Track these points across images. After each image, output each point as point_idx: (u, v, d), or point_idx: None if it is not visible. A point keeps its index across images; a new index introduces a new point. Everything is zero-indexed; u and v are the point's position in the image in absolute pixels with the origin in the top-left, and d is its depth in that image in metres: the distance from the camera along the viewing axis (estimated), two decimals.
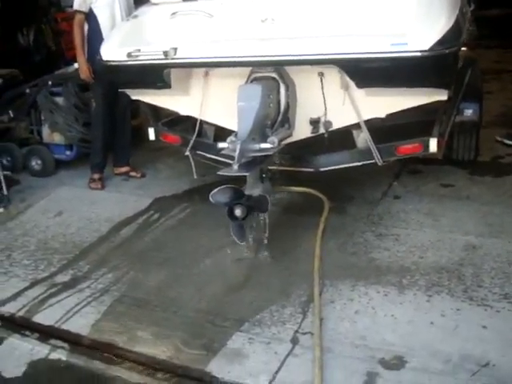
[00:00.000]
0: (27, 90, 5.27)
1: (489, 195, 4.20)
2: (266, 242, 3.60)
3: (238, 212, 3.35)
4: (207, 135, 4.47)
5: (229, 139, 3.54)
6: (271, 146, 3.50)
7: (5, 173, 4.81)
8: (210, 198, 3.40)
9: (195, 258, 3.66)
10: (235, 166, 3.28)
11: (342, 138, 4.06)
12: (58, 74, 5.36)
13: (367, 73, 3.41)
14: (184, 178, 4.84)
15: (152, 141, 4.64)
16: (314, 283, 3.22)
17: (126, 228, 4.16)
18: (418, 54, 3.21)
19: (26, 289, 3.50)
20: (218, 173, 3.37)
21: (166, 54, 3.65)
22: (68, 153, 5.28)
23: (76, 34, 4.72)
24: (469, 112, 4.60)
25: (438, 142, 3.80)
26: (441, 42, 3.22)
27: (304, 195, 4.36)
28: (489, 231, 3.67)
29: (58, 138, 5.22)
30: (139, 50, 3.76)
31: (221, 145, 3.60)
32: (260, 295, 3.23)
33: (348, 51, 3.35)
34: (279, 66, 3.68)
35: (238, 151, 3.28)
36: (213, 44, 3.74)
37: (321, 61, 3.47)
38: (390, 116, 3.79)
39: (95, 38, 4.61)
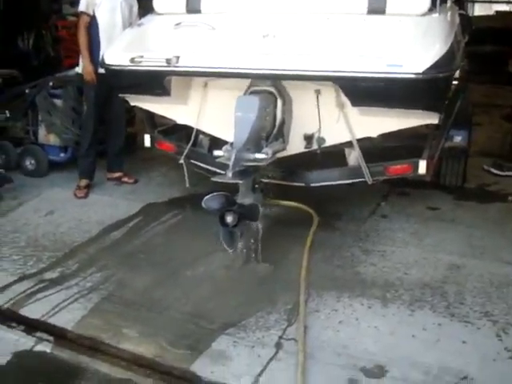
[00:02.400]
0: (27, 91, 5.32)
1: (473, 219, 4.32)
2: (259, 250, 3.64)
3: (229, 219, 3.40)
4: (202, 145, 4.55)
5: (224, 148, 3.61)
6: (265, 156, 3.57)
7: None
8: (203, 204, 3.46)
9: (183, 263, 3.71)
10: (229, 174, 3.35)
11: (334, 155, 4.17)
12: (59, 77, 5.42)
13: (362, 91, 3.50)
14: (176, 186, 4.91)
15: (147, 148, 4.68)
16: (299, 292, 3.28)
17: (117, 231, 4.20)
18: (413, 76, 3.31)
19: (13, 282, 3.52)
20: (212, 179, 3.43)
21: (168, 61, 3.72)
22: (62, 155, 5.32)
23: (81, 36, 4.76)
24: (458, 138, 4.73)
25: (427, 164, 3.90)
26: (435, 66, 3.34)
27: (294, 209, 4.43)
28: (472, 252, 3.77)
29: (53, 140, 5.26)
30: (142, 56, 3.83)
31: (216, 153, 3.67)
32: (246, 301, 3.28)
33: (345, 69, 3.44)
34: (277, 79, 3.77)
35: (232, 159, 3.36)
36: (214, 55, 3.83)
37: (318, 77, 3.56)
38: (382, 137, 3.92)
39: (95, 42, 4.71)
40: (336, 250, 3.83)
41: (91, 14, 4.75)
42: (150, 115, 4.66)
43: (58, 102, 5.18)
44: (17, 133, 5.47)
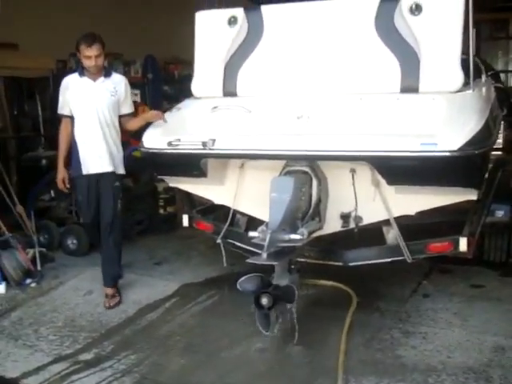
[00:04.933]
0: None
1: None
2: (296, 334, 3.55)
3: (264, 301, 3.35)
4: (239, 224, 4.57)
5: (260, 229, 3.61)
6: (300, 237, 3.55)
7: (40, 249, 4.97)
8: (238, 286, 3.44)
9: (219, 346, 3.65)
10: (264, 255, 3.34)
11: (372, 234, 4.11)
12: None
13: (397, 171, 3.49)
14: (214, 265, 4.90)
15: (186, 227, 4.74)
16: (337, 378, 3.16)
17: (153, 312, 4.20)
18: (448, 154, 3.28)
19: (49, 363, 3.53)
20: (247, 261, 3.42)
21: (204, 144, 3.82)
22: None
23: (60, 139, 4.35)
24: (500, 213, 4.63)
25: (468, 241, 3.81)
26: (470, 143, 3.30)
27: (332, 289, 4.35)
28: None
29: None
30: (179, 140, 3.94)
31: (251, 234, 3.66)
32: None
33: (379, 149, 3.45)
34: (312, 160, 3.80)
35: (267, 240, 3.35)
36: (249, 137, 3.91)
37: (352, 157, 3.57)
38: (421, 214, 3.85)
39: (74, 146, 4.30)
40: (376, 332, 3.71)
41: (69, 114, 4.29)
42: (189, 195, 4.74)
43: None
44: (60, 213, 5.65)
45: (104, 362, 3.54)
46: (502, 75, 9.93)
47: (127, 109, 4.46)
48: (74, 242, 5.41)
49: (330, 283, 4.38)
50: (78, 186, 4.37)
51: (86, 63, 4.17)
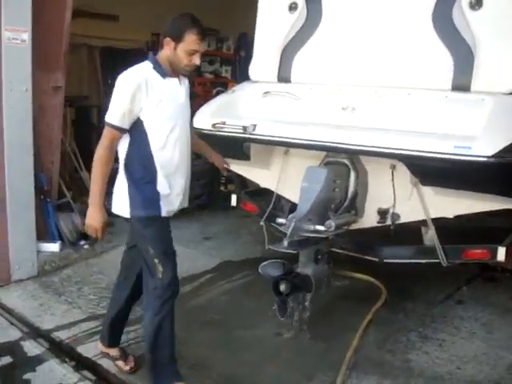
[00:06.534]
0: None
1: None
2: (306, 323, 3.59)
3: (282, 287, 3.42)
4: (283, 209, 4.63)
5: (290, 216, 3.67)
6: (325, 229, 3.57)
7: None
8: (259, 269, 3.53)
9: (238, 324, 3.78)
10: (285, 243, 3.40)
11: (412, 232, 4.03)
12: None
13: (429, 172, 3.40)
14: (260, 245, 5.00)
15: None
16: (339, 372, 3.19)
17: (188, 285, 4.37)
18: (482, 159, 3.15)
19: (82, 320, 3.82)
20: (268, 246, 3.50)
21: (244, 129, 3.91)
22: None
23: (102, 162, 2.79)
24: None
25: (508, 251, 3.65)
26: (508, 150, 3.15)
27: (366, 283, 4.32)
28: None
29: None
30: (224, 123, 4.05)
31: (279, 220, 3.74)
32: (284, 371, 3.26)
33: (412, 148, 3.37)
34: (348, 153, 3.79)
35: (290, 229, 3.41)
36: (290, 125, 3.94)
37: (385, 154, 3.50)
38: (460, 218, 3.73)
39: (133, 176, 2.87)
40: (393, 332, 3.67)
41: (126, 128, 2.80)
42: (239, 176, 4.85)
43: None
44: None
45: (130, 325, 3.76)
46: None
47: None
48: None
49: (365, 277, 4.35)
50: (150, 231, 2.93)
51: (189, 61, 2.87)
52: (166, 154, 2.89)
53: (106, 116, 2.81)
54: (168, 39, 2.85)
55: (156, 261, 2.92)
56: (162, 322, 2.96)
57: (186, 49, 2.83)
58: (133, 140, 2.85)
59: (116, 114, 2.77)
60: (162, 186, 2.90)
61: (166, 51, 2.87)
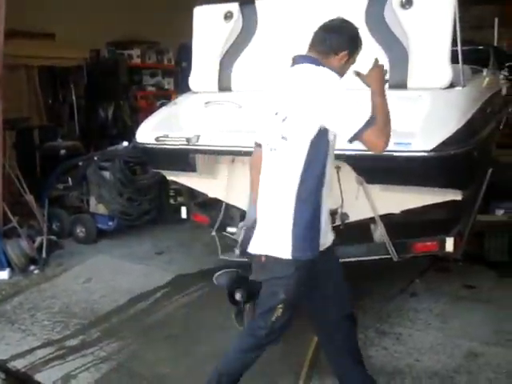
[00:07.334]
0: (80, 163, 5.70)
1: (511, 300, 4.01)
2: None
3: (237, 296, 3.42)
4: (233, 218, 4.62)
5: (240, 224, 3.66)
6: None
7: (50, 237, 5.18)
8: (214, 280, 3.51)
9: (197, 338, 3.75)
10: (237, 251, 3.40)
11: (362, 231, 4.09)
12: (108, 151, 5.76)
13: (373, 170, 3.45)
14: (213, 256, 4.97)
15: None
16: (300, 375, 3.19)
17: (143, 301, 4.33)
18: (422, 154, 3.22)
19: (37, 347, 3.73)
20: (220, 256, 3.48)
21: (188, 140, 3.89)
22: (110, 223, 5.61)
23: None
24: (500, 212, 4.49)
25: (455, 241, 3.74)
26: (447, 143, 3.23)
27: None
28: (496, 339, 3.53)
29: (102, 209, 5.57)
30: (167, 136, 4.02)
31: (229, 229, 3.73)
32: (246, 382, 3.22)
33: (354, 148, 3.41)
34: None
35: (241, 237, 3.40)
36: (235, 133, 3.93)
37: None
38: (407, 212, 3.80)
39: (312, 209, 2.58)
40: None
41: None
42: (188, 188, 4.82)
43: (107, 174, 5.48)
44: (73, 202, 5.84)
45: (87, 348, 3.70)
46: None
47: None
48: (83, 230, 5.62)
49: None
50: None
51: (347, 70, 2.79)
52: None
53: (353, 124, 2.57)
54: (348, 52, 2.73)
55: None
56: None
57: (353, 59, 2.79)
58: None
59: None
60: None
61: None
